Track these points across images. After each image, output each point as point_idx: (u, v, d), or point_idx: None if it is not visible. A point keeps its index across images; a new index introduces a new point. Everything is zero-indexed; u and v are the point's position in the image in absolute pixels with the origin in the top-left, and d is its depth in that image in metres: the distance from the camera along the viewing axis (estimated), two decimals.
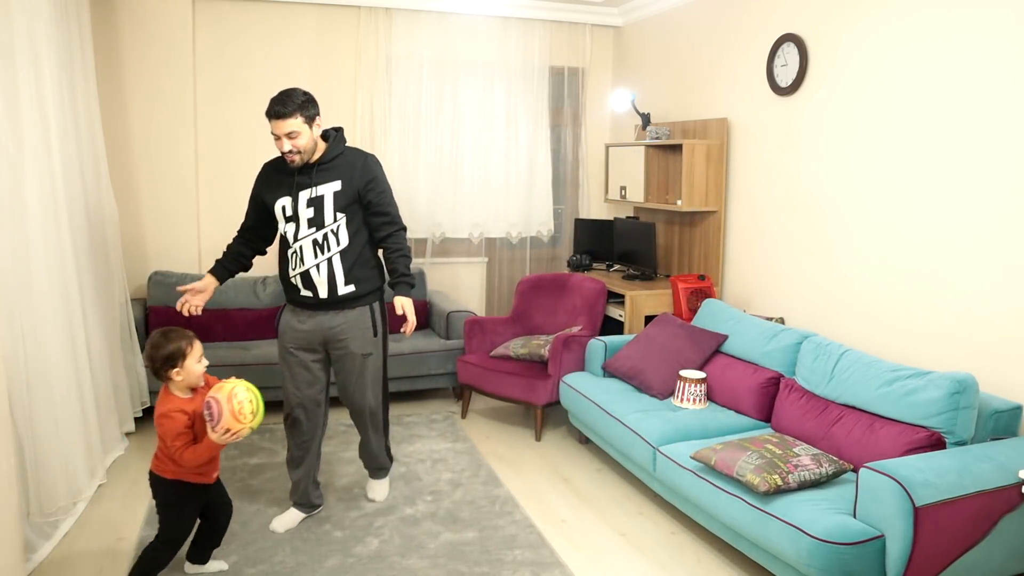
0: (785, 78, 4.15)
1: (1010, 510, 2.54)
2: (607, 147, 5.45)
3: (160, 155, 4.95)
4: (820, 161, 3.95)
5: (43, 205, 3.18)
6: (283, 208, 3.10)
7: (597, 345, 4.22)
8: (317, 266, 3.09)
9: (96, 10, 4.62)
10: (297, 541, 3.11)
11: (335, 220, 3.08)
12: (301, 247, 3.09)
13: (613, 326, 5.02)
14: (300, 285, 3.13)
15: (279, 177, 3.13)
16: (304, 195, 3.06)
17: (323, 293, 3.11)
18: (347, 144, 3.20)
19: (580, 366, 4.35)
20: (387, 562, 2.97)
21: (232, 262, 3.29)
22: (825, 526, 2.48)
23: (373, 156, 3.20)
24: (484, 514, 3.38)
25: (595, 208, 6.04)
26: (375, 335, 3.23)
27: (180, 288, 3.19)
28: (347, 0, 5.18)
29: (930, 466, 2.50)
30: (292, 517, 3.29)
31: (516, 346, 4.53)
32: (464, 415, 4.67)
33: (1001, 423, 2.89)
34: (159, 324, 4.67)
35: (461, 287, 5.82)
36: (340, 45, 5.31)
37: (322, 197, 3.06)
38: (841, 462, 2.87)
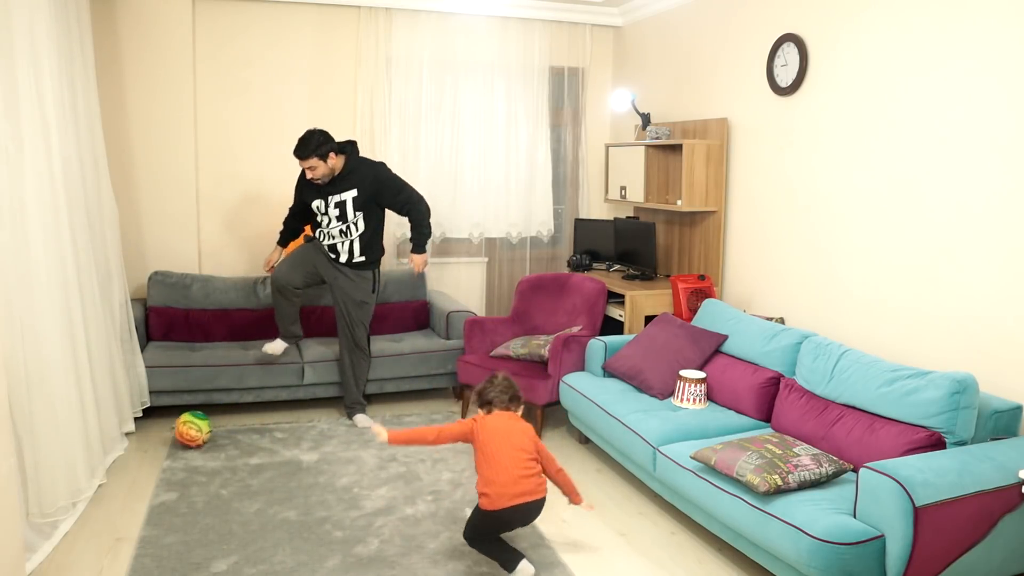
0: (785, 78, 4.15)
1: (1010, 510, 2.54)
2: (607, 147, 5.45)
3: (160, 155, 4.95)
4: (820, 161, 3.95)
5: (43, 205, 3.18)
6: (317, 207, 4.30)
7: (597, 345, 4.22)
8: (341, 243, 4.32)
9: (96, 10, 4.62)
10: (297, 541, 3.12)
11: (355, 216, 4.26)
12: (330, 231, 4.31)
13: (613, 326, 5.02)
14: (326, 248, 4.38)
15: (312, 184, 4.26)
16: (332, 199, 4.24)
17: (343, 260, 4.34)
18: (360, 155, 4.30)
19: (580, 366, 4.35)
20: (387, 562, 2.97)
21: (292, 234, 4.61)
22: (825, 526, 2.48)
23: (381, 164, 4.33)
24: None
25: (595, 208, 6.04)
26: (372, 291, 4.45)
27: (267, 260, 4.60)
28: (347, 0, 5.18)
29: (930, 466, 2.50)
30: (280, 345, 4.41)
31: (516, 346, 4.53)
32: (464, 415, 4.67)
33: (1001, 423, 2.89)
34: (159, 324, 4.67)
35: (461, 287, 5.82)
36: (340, 45, 5.31)
37: (344, 201, 4.23)
38: (841, 462, 2.87)
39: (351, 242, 4.29)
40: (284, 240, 4.61)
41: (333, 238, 4.31)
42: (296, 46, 5.22)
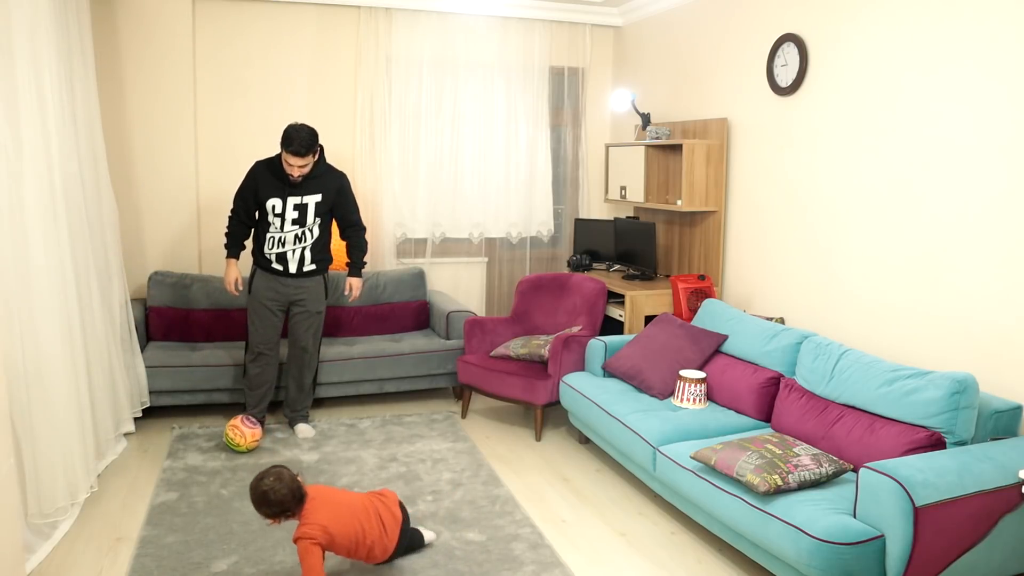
0: (785, 78, 4.15)
1: (1010, 510, 2.54)
2: (607, 147, 5.45)
3: (160, 155, 4.95)
4: (820, 161, 3.95)
5: (42, 205, 3.18)
6: (273, 206, 3.99)
7: (597, 345, 4.22)
8: (292, 250, 4.05)
9: (96, 10, 4.63)
10: None
11: (313, 222, 4.05)
12: (284, 237, 4.03)
13: (613, 326, 5.02)
14: (274, 260, 4.06)
15: (272, 180, 3.99)
16: (292, 201, 3.99)
17: (292, 269, 4.07)
18: (326, 160, 4.09)
19: (580, 366, 4.35)
20: (387, 562, 2.96)
21: (242, 243, 4.17)
22: (825, 526, 2.48)
23: (344, 175, 4.16)
24: (484, 514, 3.38)
25: (595, 208, 6.05)
26: (325, 298, 4.25)
27: (229, 281, 4.15)
28: (347, 0, 5.18)
29: (930, 466, 2.50)
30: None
31: (516, 346, 4.53)
32: (464, 415, 4.67)
33: (1001, 423, 2.89)
34: (159, 324, 4.67)
35: (461, 287, 5.82)
36: (340, 45, 5.31)
37: (306, 205, 4.01)
38: (841, 462, 2.87)
39: (303, 249, 4.04)
40: (237, 251, 4.17)
41: (284, 245, 4.02)
42: (296, 46, 5.22)
